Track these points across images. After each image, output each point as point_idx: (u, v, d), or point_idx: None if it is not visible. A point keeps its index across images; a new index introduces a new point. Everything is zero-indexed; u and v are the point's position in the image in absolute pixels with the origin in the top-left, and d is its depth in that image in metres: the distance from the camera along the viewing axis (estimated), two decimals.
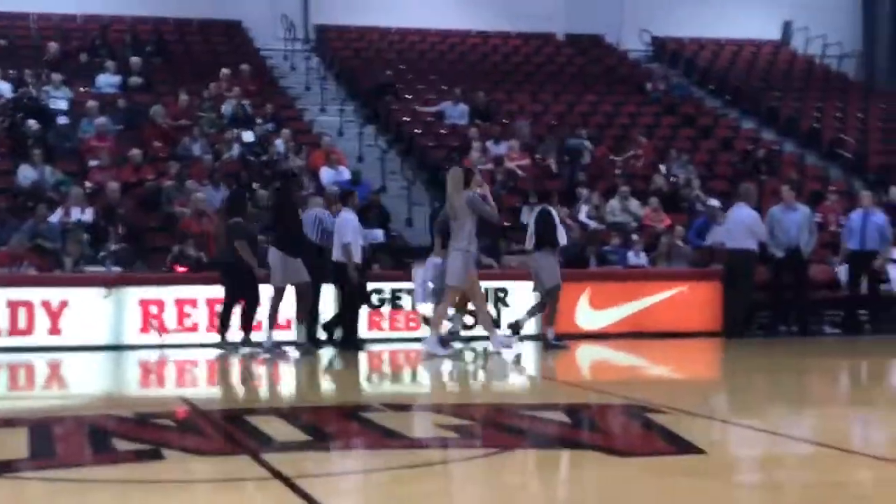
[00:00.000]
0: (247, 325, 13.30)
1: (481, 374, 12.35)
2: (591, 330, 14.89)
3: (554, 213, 13.77)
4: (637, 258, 16.42)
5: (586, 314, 15.03)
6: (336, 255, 13.42)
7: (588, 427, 7.85)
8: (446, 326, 13.29)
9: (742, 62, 28.28)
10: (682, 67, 27.84)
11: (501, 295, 15.00)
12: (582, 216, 17.83)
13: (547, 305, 13.62)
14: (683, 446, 6.72)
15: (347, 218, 13.49)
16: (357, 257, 13.38)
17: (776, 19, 29.78)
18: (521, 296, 14.81)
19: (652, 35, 28.72)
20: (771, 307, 15.70)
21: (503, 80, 25.24)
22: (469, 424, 7.95)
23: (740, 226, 15.02)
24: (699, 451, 6.56)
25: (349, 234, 13.33)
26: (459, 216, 12.37)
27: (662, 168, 20.16)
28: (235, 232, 13.10)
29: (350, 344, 13.59)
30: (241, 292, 13.31)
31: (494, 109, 22.68)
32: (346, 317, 13.77)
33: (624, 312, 15.15)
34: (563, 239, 13.67)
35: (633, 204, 18.18)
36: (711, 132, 23.51)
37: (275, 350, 12.86)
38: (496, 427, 7.78)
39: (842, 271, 16.16)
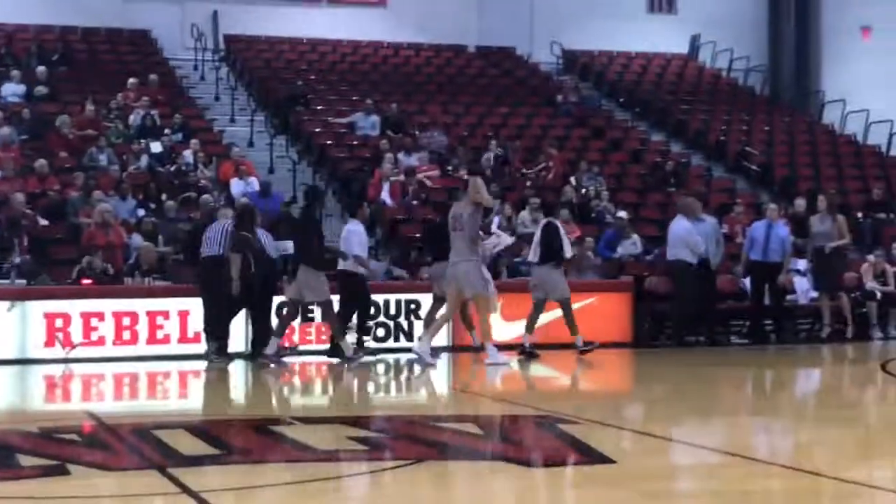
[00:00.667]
0: (264, 336, 13.38)
1: (394, 387, 12.32)
2: (503, 341, 14.89)
3: (560, 226, 14.17)
4: None
5: (499, 326, 15.03)
6: (343, 265, 13.59)
7: (500, 438, 7.85)
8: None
9: (651, 75, 28.66)
10: (592, 80, 28.11)
11: (413, 307, 14.95)
12: (494, 228, 17.86)
13: (564, 314, 14.08)
14: (594, 456, 6.76)
15: (353, 230, 13.67)
16: (368, 268, 13.82)
17: (684, 33, 30.25)
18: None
19: (563, 48, 28.98)
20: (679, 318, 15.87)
21: (415, 91, 25.26)
22: (380, 437, 7.92)
23: (677, 238, 15.34)
24: (610, 460, 6.60)
25: (356, 246, 13.52)
26: (466, 227, 12.47)
27: (573, 180, 20.32)
28: (238, 244, 13.18)
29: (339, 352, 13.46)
30: (246, 305, 13.50)
31: (406, 121, 22.68)
32: (352, 324, 13.89)
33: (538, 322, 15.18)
34: (568, 252, 14.09)
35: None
36: (621, 145, 23.76)
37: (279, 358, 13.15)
38: (408, 439, 7.75)
39: (745, 282, 16.44)
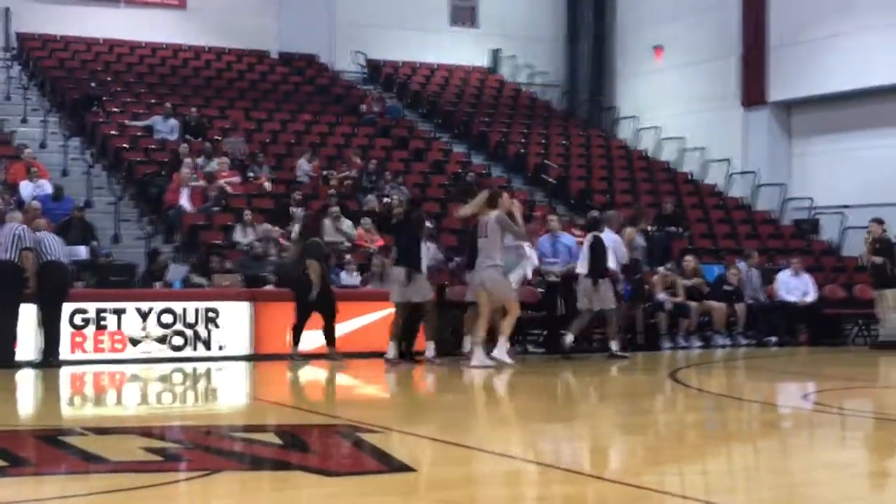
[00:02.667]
0: (331, 336, 14.36)
1: (191, 397, 12.05)
2: (305, 350, 14.79)
3: (604, 239, 15.20)
4: (350, 278, 16.45)
5: (310, 334, 14.90)
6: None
7: (298, 447, 7.75)
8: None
9: (453, 87, 29.00)
10: (395, 90, 28.24)
11: (213, 315, 14.67)
12: (295, 236, 17.72)
13: (615, 321, 15.34)
14: (393, 465, 6.74)
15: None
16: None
17: (485, 47, 30.75)
18: (233, 315, 14.56)
19: (366, 57, 29.04)
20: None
21: (216, 96, 24.89)
22: (176, 447, 7.71)
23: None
24: (409, 469, 6.59)
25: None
26: (490, 234, 13.36)
27: (375, 189, 20.34)
28: (310, 252, 14.01)
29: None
30: (318, 308, 14.23)
31: (206, 126, 22.30)
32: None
33: (338, 332, 15.10)
34: (612, 263, 15.20)
35: (346, 224, 18.23)
36: (424, 155, 23.94)
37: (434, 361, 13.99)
38: (204, 449, 7.57)
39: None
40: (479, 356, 13.49)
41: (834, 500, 6.09)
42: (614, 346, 15.26)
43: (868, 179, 24.82)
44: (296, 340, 14.36)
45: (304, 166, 20.94)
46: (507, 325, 13.64)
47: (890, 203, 23.83)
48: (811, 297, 18.33)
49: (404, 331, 14.39)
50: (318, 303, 14.22)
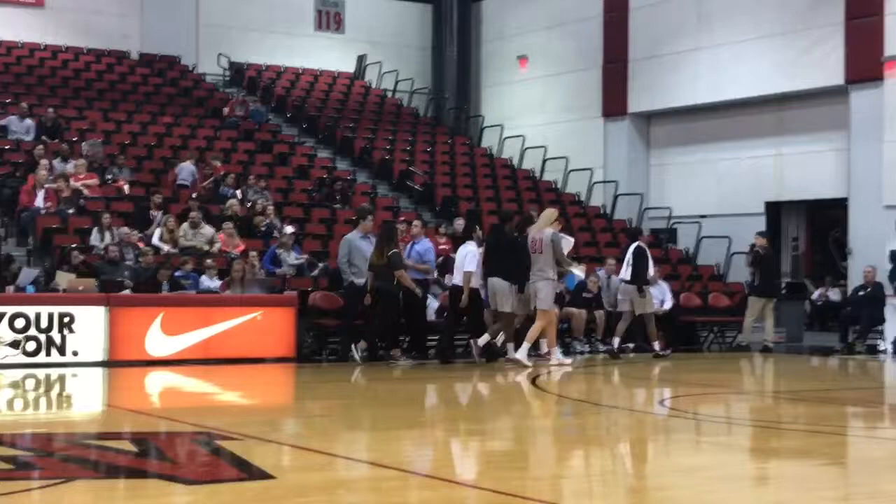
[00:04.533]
0: (421, 342, 15.74)
1: (44, 403, 11.73)
2: (163, 356, 14.54)
3: (646, 249, 16.89)
4: (211, 283, 16.23)
5: (158, 340, 14.65)
6: (454, 280, 15.65)
7: (155, 455, 7.61)
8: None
9: (318, 92, 28.86)
10: (259, 94, 27.99)
11: (67, 321, 14.29)
12: (155, 240, 17.43)
13: (647, 326, 16.80)
14: (253, 472, 6.66)
15: (472, 251, 15.35)
16: (476, 284, 15.32)
17: (351, 52, 30.70)
18: (88, 320, 14.23)
19: (230, 60, 28.72)
20: (342, 333, 15.97)
21: (74, 96, 24.31)
22: (28, 455, 7.50)
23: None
24: (269, 476, 6.53)
25: (473, 264, 15.26)
26: (544, 250, 14.62)
27: (238, 193, 20.12)
28: (395, 263, 14.99)
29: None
30: (405, 315, 15.38)
31: (63, 127, 21.77)
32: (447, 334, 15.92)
33: (197, 338, 14.90)
34: (651, 272, 16.96)
35: (207, 228, 17.97)
36: (288, 160, 23.75)
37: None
38: (57, 457, 7.37)
39: None
40: (556, 356, 15.08)
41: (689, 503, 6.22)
42: (657, 346, 16.78)
43: (723, 190, 25.53)
44: (394, 344, 15.41)
45: (187, 168, 20.54)
46: (534, 331, 14.82)
47: (745, 213, 24.57)
48: (668, 304, 18.73)
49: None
50: (407, 309, 15.37)
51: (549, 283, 14.77)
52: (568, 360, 15.36)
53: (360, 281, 15.44)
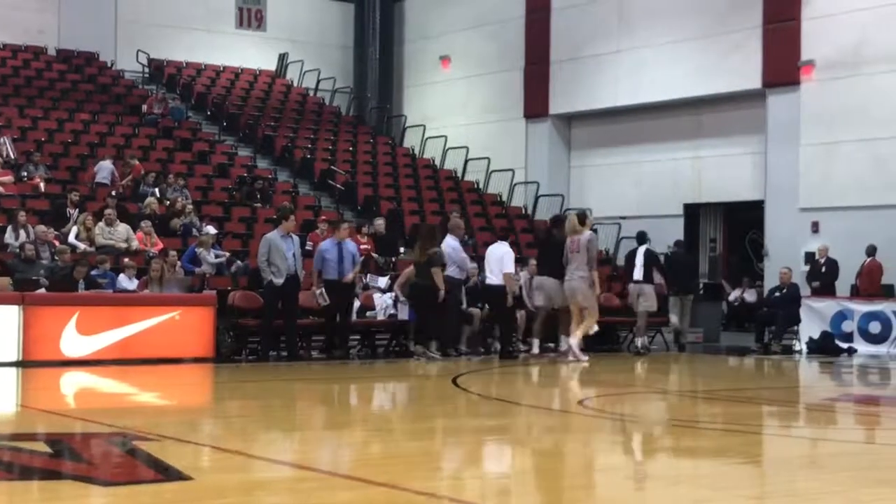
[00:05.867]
0: (451, 337, 16.22)
1: None
2: (78, 356, 14.31)
3: (654, 251, 18.45)
4: (128, 282, 16.02)
5: (73, 340, 14.41)
6: (491, 280, 16.60)
7: (69, 457, 7.49)
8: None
9: (239, 90, 28.64)
10: (179, 91, 27.70)
11: None
12: (71, 238, 17.16)
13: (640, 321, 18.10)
14: (170, 473, 6.59)
15: (507, 251, 16.62)
16: (516, 287, 16.73)
17: (272, 51, 30.52)
18: (1, 320, 13.96)
19: (149, 57, 28.40)
20: (262, 333, 15.86)
21: None
22: None
23: (452, 257, 16.31)
24: (186, 477, 6.46)
25: (510, 264, 16.51)
26: (581, 250, 15.88)
27: (156, 191, 19.89)
28: (434, 261, 15.61)
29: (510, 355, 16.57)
30: (436, 311, 15.70)
31: None
32: (505, 332, 16.92)
33: (114, 338, 14.68)
34: (659, 275, 18.56)
35: (122, 226, 17.70)
36: (208, 158, 23.54)
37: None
38: None
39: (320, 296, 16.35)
40: (575, 352, 15.84)
41: (606, 503, 6.26)
42: (679, 338, 18.52)
43: (642, 191, 25.80)
44: (447, 342, 16.08)
45: (106, 167, 20.26)
46: (584, 328, 15.96)
47: (664, 214, 24.85)
48: None
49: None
50: (441, 306, 15.81)
51: (586, 281, 15.93)
52: (584, 357, 15.95)
53: (279, 280, 15.34)
